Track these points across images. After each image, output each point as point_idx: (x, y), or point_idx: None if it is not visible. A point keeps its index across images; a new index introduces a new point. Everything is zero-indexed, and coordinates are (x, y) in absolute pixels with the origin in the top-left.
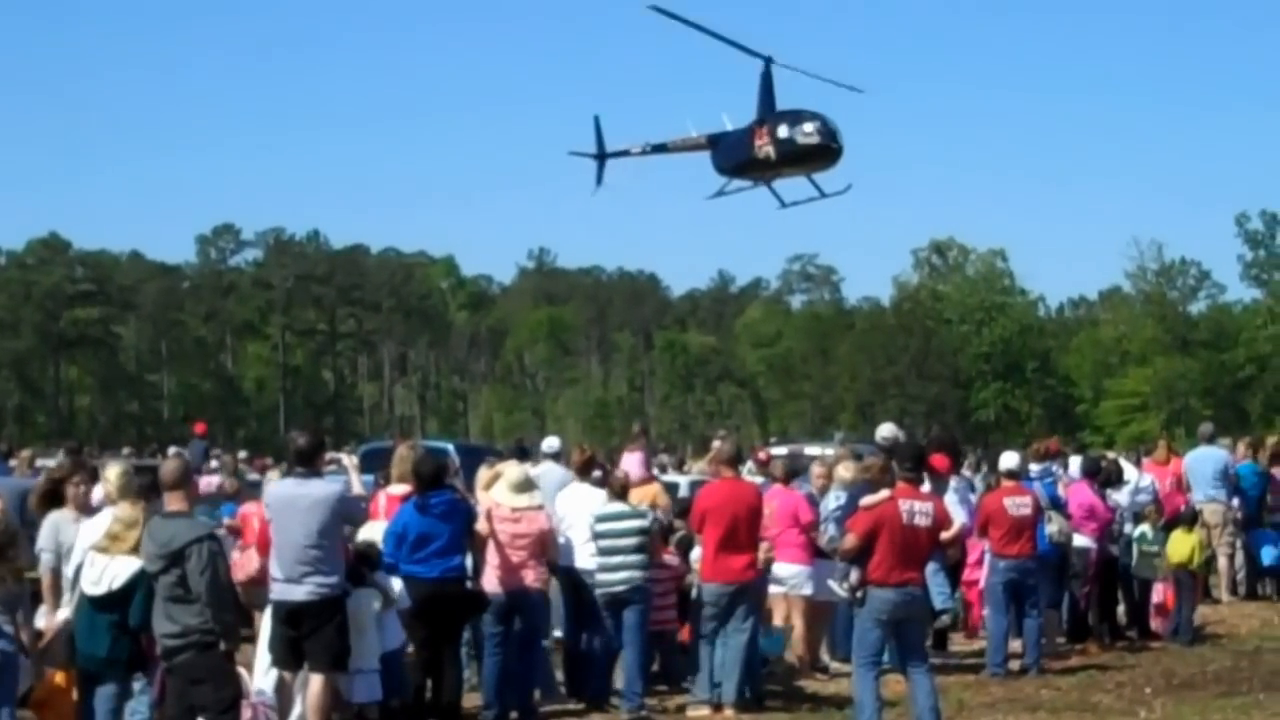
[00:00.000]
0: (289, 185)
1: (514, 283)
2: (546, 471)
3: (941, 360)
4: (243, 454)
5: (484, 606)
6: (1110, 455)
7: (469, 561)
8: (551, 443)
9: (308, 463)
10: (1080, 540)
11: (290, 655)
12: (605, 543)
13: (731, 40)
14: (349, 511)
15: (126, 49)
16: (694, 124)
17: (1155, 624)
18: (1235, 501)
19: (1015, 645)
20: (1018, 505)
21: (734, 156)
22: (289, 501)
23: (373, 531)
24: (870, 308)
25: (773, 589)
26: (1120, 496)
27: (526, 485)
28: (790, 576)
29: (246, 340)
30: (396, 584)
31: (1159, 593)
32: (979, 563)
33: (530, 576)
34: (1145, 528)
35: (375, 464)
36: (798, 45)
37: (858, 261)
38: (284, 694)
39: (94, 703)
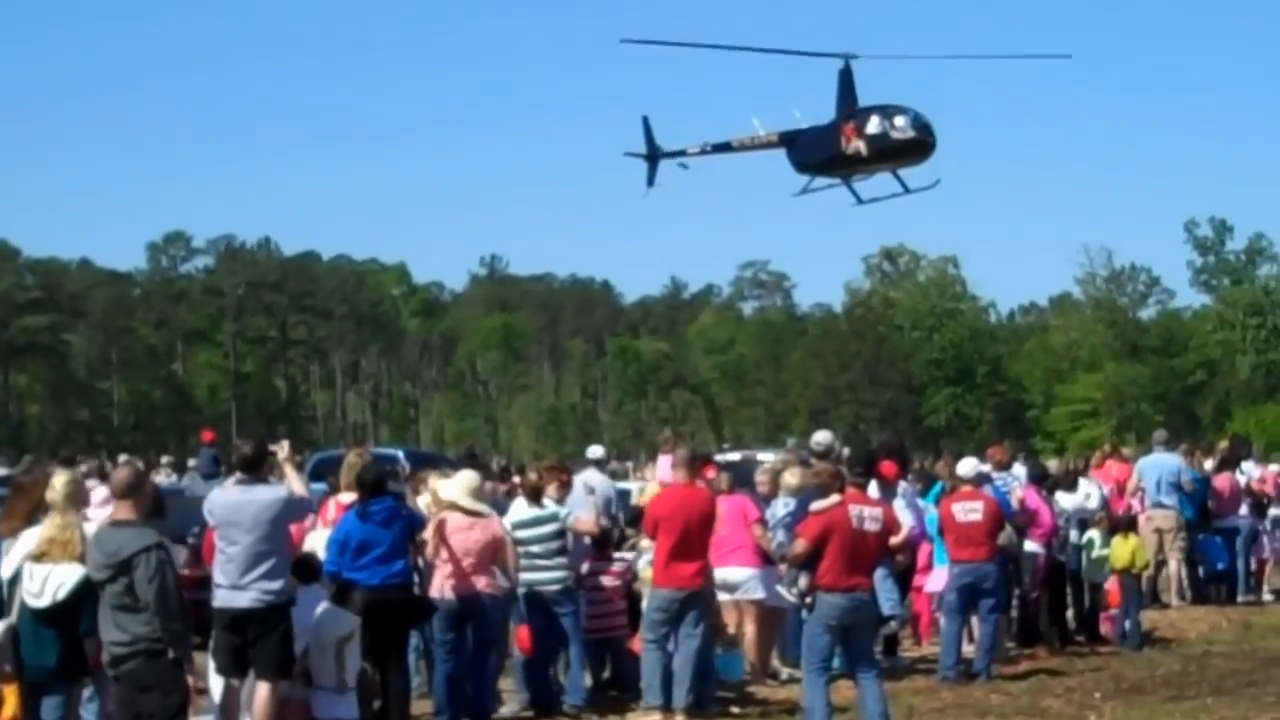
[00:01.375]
0: (240, 192)
1: (466, 290)
2: (588, 478)
3: (893, 366)
4: (192, 462)
5: (429, 613)
6: (1074, 462)
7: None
8: (595, 450)
9: (253, 470)
10: (1028, 546)
11: (235, 663)
12: (527, 548)
13: (804, 51)
14: (294, 515)
15: (76, 57)
16: (761, 122)
17: (1104, 628)
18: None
19: (968, 650)
20: (966, 511)
21: (818, 153)
22: (235, 508)
23: (320, 540)
24: (822, 314)
25: (724, 596)
26: (1066, 502)
27: (480, 491)
28: (742, 581)
29: (197, 348)
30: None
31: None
32: (928, 568)
33: (482, 583)
34: (1093, 533)
35: (327, 472)
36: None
37: (809, 268)
38: (230, 701)
39: (42, 713)
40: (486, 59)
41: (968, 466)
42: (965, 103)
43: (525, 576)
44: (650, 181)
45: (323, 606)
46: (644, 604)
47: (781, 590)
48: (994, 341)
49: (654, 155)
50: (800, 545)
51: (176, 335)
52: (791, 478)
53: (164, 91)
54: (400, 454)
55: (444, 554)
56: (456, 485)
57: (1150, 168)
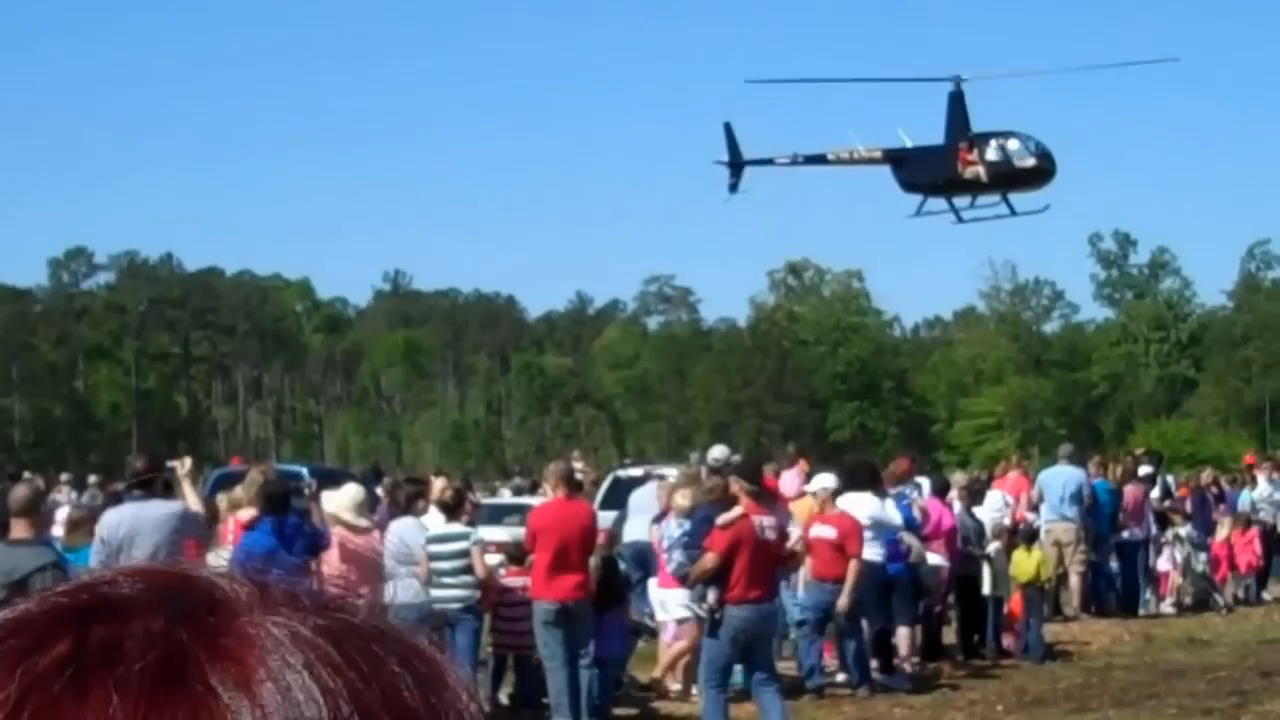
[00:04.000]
0: (142, 208)
1: (370, 305)
2: (648, 493)
3: (798, 380)
4: (93, 478)
5: None
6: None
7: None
8: (669, 470)
9: (145, 485)
10: (933, 559)
11: None
12: (436, 564)
13: (914, 78)
14: (191, 528)
15: None
16: (859, 137)
17: (1007, 641)
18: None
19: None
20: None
21: (932, 174)
22: (131, 524)
23: (221, 557)
24: (727, 329)
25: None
26: (982, 514)
27: (364, 506)
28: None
29: (99, 364)
30: None
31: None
32: None
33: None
34: (996, 545)
35: (226, 489)
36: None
37: (715, 283)
38: None
39: None
40: (388, 75)
41: (827, 481)
42: (862, 114)
43: (434, 593)
44: (733, 189)
45: None
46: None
47: (692, 606)
48: (898, 356)
49: (737, 163)
50: (710, 559)
51: (78, 352)
52: (683, 499)
53: (64, 107)
54: (305, 471)
55: (326, 566)
56: (338, 499)
57: (1054, 181)
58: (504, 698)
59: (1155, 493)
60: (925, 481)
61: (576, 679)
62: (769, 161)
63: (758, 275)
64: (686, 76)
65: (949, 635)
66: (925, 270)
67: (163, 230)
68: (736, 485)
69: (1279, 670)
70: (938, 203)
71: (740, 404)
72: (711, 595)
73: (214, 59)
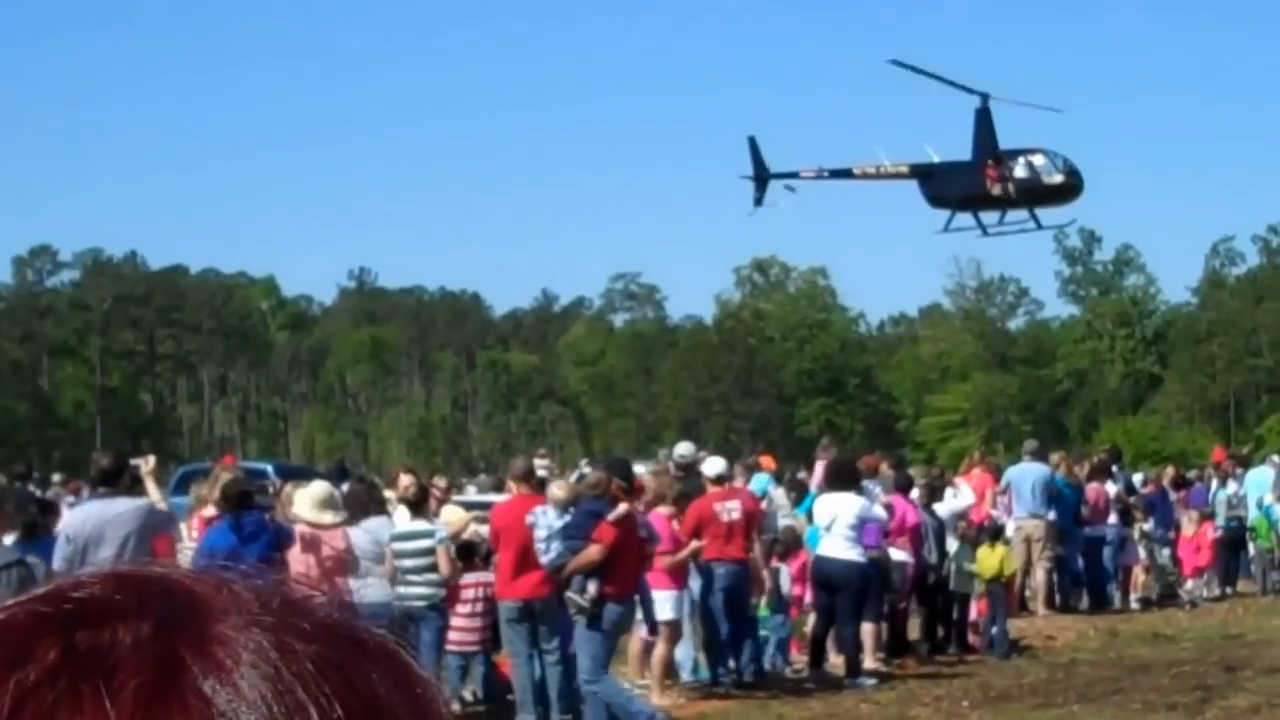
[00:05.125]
0: (107, 206)
1: (335, 303)
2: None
3: (764, 377)
4: (57, 477)
5: None
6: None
7: None
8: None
9: (111, 482)
10: (897, 554)
11: None
12: (400, 562)
13: (951, 80)
14: (157, 524)
15: None
16: (885, 152)
17: (971, 637)
18: (1052, 515)
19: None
20: (728, 510)
21: (959, 190)
22: (97, 522)
23: (186, 554)
24: (693, 326)
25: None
26: (941, 510)
27: (330, 503)
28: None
29: (63, 362)
30: None
31: (974, 610)
32: (802, 579)
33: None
34: (956, 543)
35: (193, 486)
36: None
37: (680, 280)
38: None
39: None
40: (354, 73)
41: (718, 466)
42: (827, 111)
43: (399, 590)
44: (758, 202)
45: None
46: None
47: (574, 596)
48: (864, 352)
49: (762, 176)
50: (596, 551)
51: (42, 350)
52: (559, 490)
53: (28, 105)
54: (270, 468)
55: (293, 564)
56: (302, 497)
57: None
58: (468, 695)
59: (1116, 488)
60: (890, 474)
61: (542, 675)
62: (794, 175)
63: (723, 272)
64: (655, 73)
65: (914, 631)
66: (890, 267)
67: (127, 228)
68: (615, 484)
69: (1243, 665)
70: (965, 218)
71: (707, 401)
72: (592, 586)
73: (179, 58)
